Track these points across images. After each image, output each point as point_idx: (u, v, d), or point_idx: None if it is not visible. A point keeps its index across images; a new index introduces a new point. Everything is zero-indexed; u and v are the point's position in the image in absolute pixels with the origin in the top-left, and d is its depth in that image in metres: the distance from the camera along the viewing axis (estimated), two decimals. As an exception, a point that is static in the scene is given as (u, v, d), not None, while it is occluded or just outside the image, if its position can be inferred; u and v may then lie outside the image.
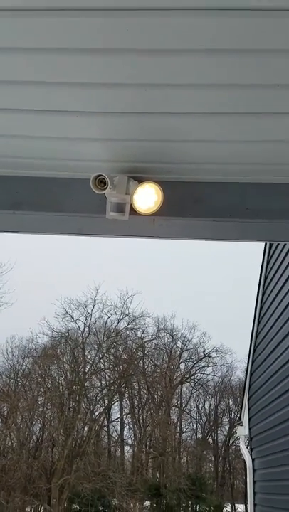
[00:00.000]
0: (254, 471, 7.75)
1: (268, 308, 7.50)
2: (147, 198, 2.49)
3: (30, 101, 2.24)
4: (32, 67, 2.03)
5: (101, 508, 24.41)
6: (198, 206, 2.60)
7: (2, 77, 2.09)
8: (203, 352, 33.06)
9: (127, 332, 28.00)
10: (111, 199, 2.50)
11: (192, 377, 33.75)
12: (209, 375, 33.96)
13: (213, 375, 34.03)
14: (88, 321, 26.08)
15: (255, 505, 7.57)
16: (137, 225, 2.67)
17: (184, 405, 34.06)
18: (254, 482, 7.70)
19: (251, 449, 8.00)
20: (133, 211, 2.53)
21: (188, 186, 2.62)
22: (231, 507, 30.55)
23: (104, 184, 2.47)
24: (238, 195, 2.59)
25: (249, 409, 8.31)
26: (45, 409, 26.31)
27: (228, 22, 1.75)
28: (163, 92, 2.12)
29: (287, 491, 6.03)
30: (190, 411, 34.66)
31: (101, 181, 2.49)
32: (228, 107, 2.16)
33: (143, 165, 2.55)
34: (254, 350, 8.33)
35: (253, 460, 7.85)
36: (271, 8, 1.67)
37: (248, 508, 7.86)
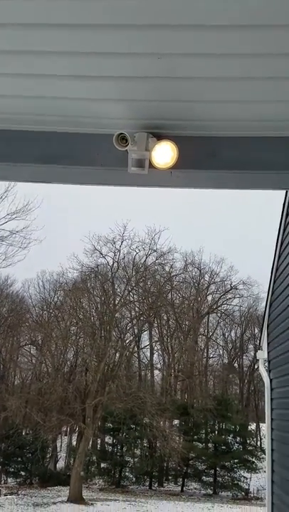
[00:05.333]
0: (272, 389, 8.42)
1: None
2: (164, 154, 2.79)
3: (58, 67, 2.53)
4: (67, 40, 2.32)
5: (133, 426, 26.26)
6: (212, 159, 2.90)
7: (38, 48, 2.38)
8: (230, 284, 33.76)
9: (155, 267, 28.61)
10: (132, 155, 2.81)
11: (219, 308, 34.70)
12: (236, 305, 34.85)
13: (240, 306, 34.92)
14: (117, 257, 26.68)
15: (272, 419, 8.30)
16: (156, 177, 2.98)
17: (210, 334, 35.32)
18: (271, 399, 8.39)
19: (269, 371, 8.64)
20: (151, 165, 2.85)
21: (203, 141, 2.90)
22: (256, 425, 32.37)
23: (126, 141, 2.78)
24: (247, 148, 2.87)
25: (268, 334, 8.87)
26: (77, 338, 27.62)
27: None
28: (176, 59, 2.39)
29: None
30: (216, 339, 35.98)
31: (123, 138, 2.80)
32: (234, 73, 2.43)
33: (161, 122, 2.84)
34: (274, 281, 8.74)
35: (270, 380, 8.51)
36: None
37: (266, 421, 8.62)
